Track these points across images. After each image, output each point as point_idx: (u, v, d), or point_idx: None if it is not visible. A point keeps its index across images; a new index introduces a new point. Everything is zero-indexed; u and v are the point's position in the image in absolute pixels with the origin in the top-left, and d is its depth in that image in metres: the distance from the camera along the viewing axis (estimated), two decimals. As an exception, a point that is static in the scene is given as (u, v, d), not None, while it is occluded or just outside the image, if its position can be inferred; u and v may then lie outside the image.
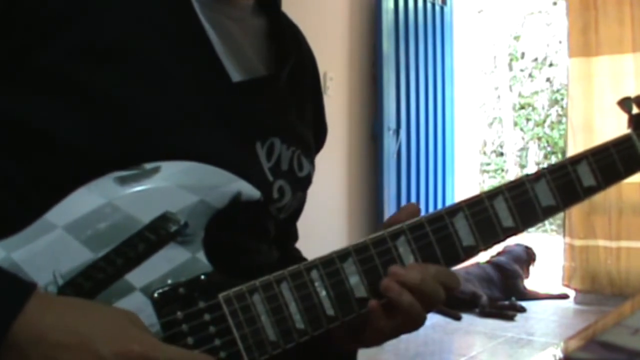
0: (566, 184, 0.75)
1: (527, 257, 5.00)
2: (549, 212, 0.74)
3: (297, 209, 0.86)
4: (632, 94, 0.82)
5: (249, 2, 0.81)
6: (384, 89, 4.40)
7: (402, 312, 0.67)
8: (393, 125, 4.48)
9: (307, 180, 0.82)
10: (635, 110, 0.81)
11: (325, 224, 3.79)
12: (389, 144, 4.45)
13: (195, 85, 0.71)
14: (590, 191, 0.76)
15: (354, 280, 0.67)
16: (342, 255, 0.67)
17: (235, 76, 0.75)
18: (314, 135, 0.87)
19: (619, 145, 0.78)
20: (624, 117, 0.82)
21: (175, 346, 0.59)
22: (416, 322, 0.68)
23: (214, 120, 0.71)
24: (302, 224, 0.96)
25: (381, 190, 4.39)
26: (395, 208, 4.50)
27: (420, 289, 0.67)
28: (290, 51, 0.83)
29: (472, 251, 0.71)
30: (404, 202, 4.58)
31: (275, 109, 0.79)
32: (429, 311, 0.69)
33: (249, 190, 0.67)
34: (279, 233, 0.82)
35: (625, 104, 0.81)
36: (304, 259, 0.69)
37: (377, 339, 0.70)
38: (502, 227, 0.72)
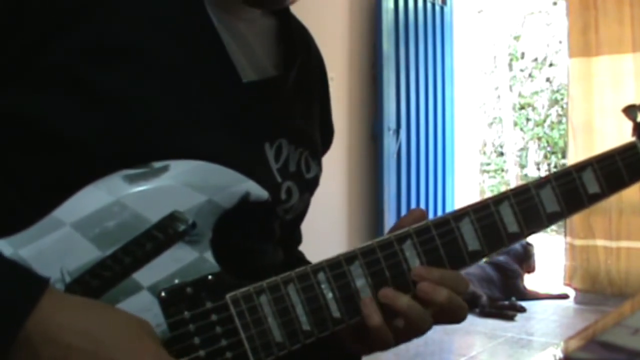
0: (571, 190, 0.76)
1: (526, 253, 5.00)
2: (553, 218, 0.75)
3: (302, 211, 0.86)
4: (632, 94, 0.82)
5: None
6: (384, 89, 4.40)
7: (402, 314, 0.67)
8: (393, 125, 4.48)
9: (314, 182, 0.82)
10: None
11: (325, 223, 3.79)
12: (389, 144, 4.45)
13: (206, 85, 0.71)
14: (595, 198, 0.76)
15: (360, 282, 0.67)
16: (348, 257, 0.68)
17: (246, 76, 0.75)
18: (321, 136, 0.87)
19: (624, 153, 0.79)
20: (624, 117, 0.83)
21: None
22: (420, 325, 0.68)
23: (223, 120, 0.71)
24: (302, 224, 0.96)
25: (381, 190, 4.39)
26: (395, 208, 4.51)
27: (445, 306, 0.67)
28: (298, 52, 0.83)
29: (477, 256, 0.72)
30: (404, 202, 4.59)
31: (284, 110, 0.79)
32: (441, 317, 0.69)
33: (258, 191, 0.67)
34: (284, 234, 0.82)
35: (630, 111, 0.82)
36: (308, 262, 0.69)
37: (382, 343, 0.70)
38: (508, 232, 0.73)
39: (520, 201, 0.73)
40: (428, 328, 0.69)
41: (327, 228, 3.81)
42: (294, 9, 0.88)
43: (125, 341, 0.55)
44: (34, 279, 0.56)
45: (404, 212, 4.58)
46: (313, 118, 0.87)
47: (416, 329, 0.68)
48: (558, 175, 0.75)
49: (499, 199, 0.73)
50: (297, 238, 0.95)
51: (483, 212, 0.72)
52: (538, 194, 0.74)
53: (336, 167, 4.18)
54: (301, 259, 0.91)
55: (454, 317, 0.70)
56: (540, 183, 0.75)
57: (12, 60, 0.62)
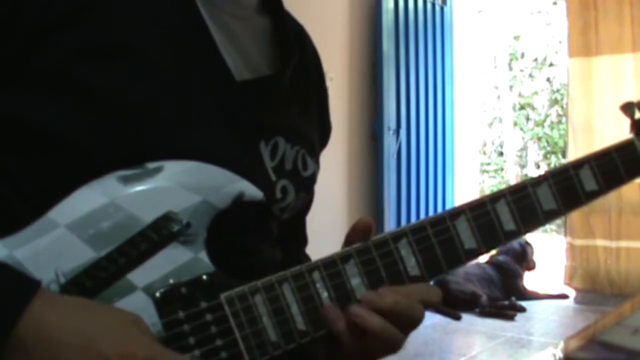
0: (568, 188, 0.75)
1: (525, 252, 5.00)
2: (550, 216, 0.74)
3: (303, 209, 0.86)
4: (632, 94, 0.82)
5: (253, 0, 0.81)
6: (384, 89, 4.41)
7: (374, 335, 0.65)
8: (393, 125, 4.49)
9: (311, 180, 0.82)
10: (637, 114, 0.81)
11: (325, 223, 3.79)
12: (389, 144, 4.45)
13: (199, 84, 0.70)
14: (592, 195, 0.76)
15: (355, 281, 0.67)
16: (344, 256, 0.67)
17: (239, 75, 0.74)
18: (318, 133, 0.87)
19: (621, 149, 0.78)
20: (624, 117, 0.83)
21: (180, 354, 0.59)
22: (392, 345, 0.67)
23: (217, 120, 0.71)
24: (302, 224, 0.95)
25: (381, 190, 4.40)
26: (395, 208, 4.51)
27: (394, 310, 0.66)
28: (293, 50, 0.83)
29: (474, 254, 0.71)
30: (404, 202, 4.59)
31: (279, 108, 0.79)
32: (408, 332, 0.68)
33: (252, 191, 0.67)
34: (283, 233, 0.82)
35: (627, 108, 0.82)
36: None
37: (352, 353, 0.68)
38: (504, 230, 0.72)
39: (516, 199, 0.73)
40: (399, 347, 0.67)
41: (326, 228, 3.80)
42: (294, 8, 0.88)
43: (115, 336, 0.55)
44: (25, 281, 0.56)
45: (404, 212, 4.58)
46: (310, 116, 0.86)
47: (388, 349, 0.67)
48: (555, 173, 0.75)
49: (495, 197, 0.72)
50: (302, 239, 0.95)
51: (479, 210, 0.72)
52: (535, 191, 0.74)
53: (336, 167, 4.19)
54: (303, 260, 0.90)
55: (387, 347, 0.67)
56: (537, 181, 0.74)
57: (8, 61, 0.62)
